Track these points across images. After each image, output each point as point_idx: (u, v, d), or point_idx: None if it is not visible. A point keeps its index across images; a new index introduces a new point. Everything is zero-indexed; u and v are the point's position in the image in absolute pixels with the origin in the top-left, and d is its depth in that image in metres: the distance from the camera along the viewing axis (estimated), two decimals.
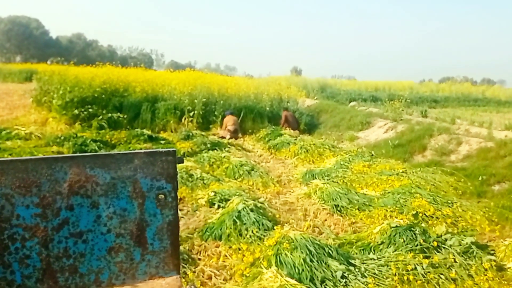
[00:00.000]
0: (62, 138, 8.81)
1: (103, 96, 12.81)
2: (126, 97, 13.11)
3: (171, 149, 1.75)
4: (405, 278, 3.64)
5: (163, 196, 1.73)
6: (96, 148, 8.31)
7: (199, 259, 4.18)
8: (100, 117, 11.62)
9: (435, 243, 4.19)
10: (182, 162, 1.90)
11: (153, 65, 70.31)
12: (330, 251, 3.98)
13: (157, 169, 1.72)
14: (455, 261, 3.96)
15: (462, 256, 4.07)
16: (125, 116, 11.96)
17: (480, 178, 6.91)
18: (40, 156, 1.64)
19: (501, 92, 30.74)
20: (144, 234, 1.73)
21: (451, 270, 3.85)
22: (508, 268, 4.08)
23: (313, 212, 5.75)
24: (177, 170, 1.80)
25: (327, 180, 7.10)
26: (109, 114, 11.75)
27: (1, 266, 1.59)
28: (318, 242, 4.07)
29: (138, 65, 19.94)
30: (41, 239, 1.62)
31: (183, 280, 3.53)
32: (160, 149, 1.75)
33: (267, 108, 14.22)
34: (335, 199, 6.03)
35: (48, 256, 1.63)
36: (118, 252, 1.71)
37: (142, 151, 1.73)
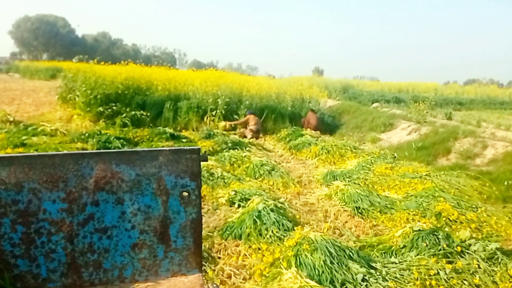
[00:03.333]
0: (87, 135, 8.96)
1: (126, 94, 12.97)
2: (149, 95, 13.26)
3: (196, 147, 1.76)
4: (427, 283, 3.57)
5: (187, 193, 1.75)
6: (120, 145, 8.43)
7: (219, 258, 4.19)
8: (124, 114, 11.78)
9: (459, 248, 4.10)
10: (206, 160, 1.91)
11: (176, 64, 70.92)
12: (350, 253, 3.94)
13: (182, 166, 1.73)
14: (479, 267, 3.87)
15: (487, 262, 3.97)
16: (148, 114, 12.09)
17: (506, 183, 6.74)
18: (67, 151, 1.67)
19: None
20: (168, 231, 1.75)
21: (475, 276, 3.75)
22: None
23: (334, 214, 5.71)
24: (201, 168, 1.81)
25: (348, 181, 7.03)
26: (132, 112, 11.90)
27: (27, 260, 1.63)
28: (339, 244, 4.04)
29: (161, 64, 20.12)
30: (67, 233, 1.65)
31: (204, 278, 3.56)
32: (185, 147, 1.76)
33: (289, 108, 14.17)
34: (356, 201, 5.97)
35: (73, 251, 1.67)
36: (142, 248, 1.73)
37: (167, 148, 1.74)
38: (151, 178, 1.71)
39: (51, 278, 1.67)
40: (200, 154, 1.76)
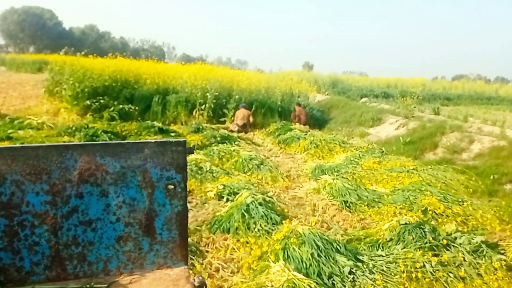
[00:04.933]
0: (74, 128, 8.87)
1: (114, 87, 12.86)
2: (137, 89, 13.15)
3: (181, 140, 1.75)
4: (414, 275, 3.61)
5: (172, 186, 1.73)
6: (107, 139, 8.36)
7: (207, 252, 4.19)
8: (112, 108, 11.66)
9: (445, 241, 4.15)
10: (192, 153, 1.90)
11: (165, 57, 70.45)
12: (338, 246, 3.97)
13: (167, 159, 1.72)
14: (464, 260, 3.92)
15: (472, 255, 4.02)
16: (136, 108, 12.00)
17: (491, 177, 6.83)
18: (51, 143, 1.64)
19: None
20: (153, 224, 1.73)
21: (460, 268, 3.81)
22: None
23: (322, 208, 5.73)
24: (187, 161, 1.79)
25: (337, 175, 7.07)
26: (120, 106, 11.79)
27: (11, 252, 1.60)
28: (326, 238, 4.06)
29: (150, 57, 19.96)
30: (50, 226, 1.63)
31: (191, 271, 3.55)
32: (170, 139, 1.75)
33: (278, 103, 14.17)
34: (344, 195, 6.01)
35: (57, 244, 1.65)
36: (127, 241, 1.72)
37: (153, 140, 1.73)
38: (136, 170, 1.69)
39: (34, 271, 1.64)
40: (186, 146, 1.75)
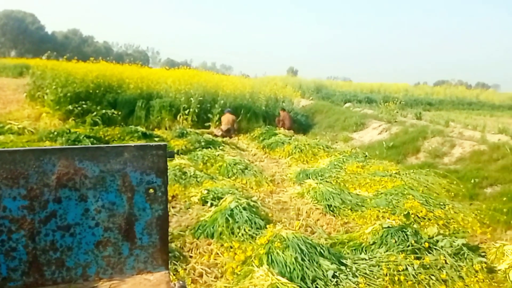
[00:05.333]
0: (55, 133, 8.74)
1: (97, 92, 12.75)
2: (121, 93, 13.05)
3: (162, 143, 1.74)
4: (396, 278, 3.64)
5: (152, 190, 1.72)
6: (89, 144, 8.25)
7: (191, 257, 4.16)
8: (94, 113, 11.54)
9: (427, 244, 4.20)
10: (173, 157, 1.89)
11: (149, 62, 70.00)
12: (321, 250, 3.98)
13: (147, 163, 1.70)
14: (446, 263, 3.97)
15: (453, 257, 4.08)
16: (119, 113, 11.89)
17: (472, 181, 6.94)
18: (28, 147, 1.62)
19: (495, 96, 30.99)
20: (133, 229, 1.71)
21: (442, 271, 3.86)
22: (499, 270, 4.10)
23: (306, 212, 5.75)
24: (168, 165, 1.78)
25: (321, 180, 7.10)
26: (103, 111, 11.69)
27: None
28: (310, 242, 4.07)
29: (134, 62, 19.84)
30: (28, 231, 1.60)
31: (174, 277, 3.52)
32: (151, 143, 1.73)
33: (263, 108, 14.22)
34: (328, 199, 6.03)
35: (34, 249, 1.61)
36: (106, 246, 1.69)
37: (132, 144, 1.71)
38: (116, 174, 1.67)
39: (11, 277, 1.61)
40: (167, 150, 1.73)
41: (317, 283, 3.51)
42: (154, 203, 1.73)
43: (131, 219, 1.70)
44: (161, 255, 1.76)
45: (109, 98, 12.72)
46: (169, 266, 1.88)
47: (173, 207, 5.57)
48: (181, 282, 1.68)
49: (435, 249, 4.21)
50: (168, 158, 1.76)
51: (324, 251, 3.98)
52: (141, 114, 12.40)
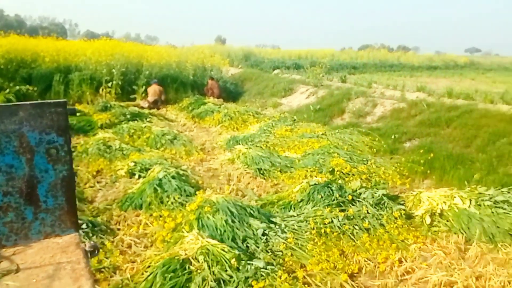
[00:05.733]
0: None
1: (9, 67, 11.79)
2: (35, 68, 12.15)
3: (61, 100, 1.61)
4: (323, 231, 3.79)
5: (54, 150, 1.59)
6: None
7: (119, 229, 4.04)
8: (7, 90, 10.63)
9: (350, 197, 4.41)
10: (75, 114, 1.76)
11: (67, 35, 65.43)
12: (252, 211, 4.04)
13: (46, 121, 1.57)
14: (368, 212, 4.20)
15: (375, 207, 4.32)
16: (35, 89, 11.09)
17: (393, 137, 7.34)
18: None
19: (414, 58, 32.78)
20: (36, 192, 1.59)
21: (365, 220, 4.07)
22: (416, 215, 4.41)
23: (237, 177, 5.78)
24: (69, 122, 1.66)
25: (251, 145, 7.15)
26: (17, 87, 10.81)
27: None
28: (240, 204, 4.11)
29: (49, 35, 18.44)
30: None
31: (101, 249, 3.39)
32: (49, 101, 1.60)
33: (190, 77, 13.92)
34: (258, 163, 6.10)
35: None
36: (7, 211, 1.56)
37: (28, 102, 1.56)
38: (11, 135, 1.53)
39: None
40: (68, 107, 1.61)
41: (248, 242, 3.57)
42: (57, 164, 1.61)
43: (32, 181, 1.57)
44: (69, 217, 1.66)
45: (23, 73, 11.82)
46: (80, 230, 1.79)
47: (98, 182, 5.36)
48: (92, 242, 1.60)
49: (358, 201, 4.43)
50: (69, 116, 1.64)
51: (254, 212, 4.04)
52: (59, 88, 11.64)
